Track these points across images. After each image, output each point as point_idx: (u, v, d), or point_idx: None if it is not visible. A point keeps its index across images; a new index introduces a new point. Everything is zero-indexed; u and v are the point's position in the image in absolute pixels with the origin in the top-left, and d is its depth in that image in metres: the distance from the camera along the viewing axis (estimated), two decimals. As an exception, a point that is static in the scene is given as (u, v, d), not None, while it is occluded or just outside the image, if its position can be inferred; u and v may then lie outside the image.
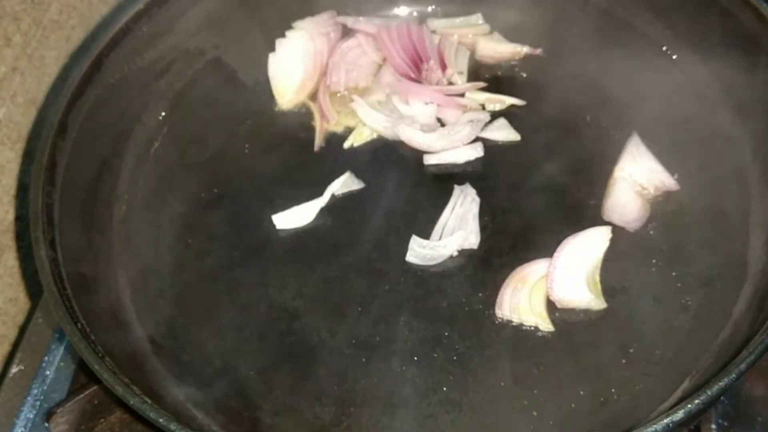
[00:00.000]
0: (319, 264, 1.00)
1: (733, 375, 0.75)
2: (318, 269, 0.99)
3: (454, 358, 0.91)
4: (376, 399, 0.89)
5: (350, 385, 0.90)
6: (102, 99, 1.03)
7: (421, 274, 0.97)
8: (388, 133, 1.11)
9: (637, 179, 1.00)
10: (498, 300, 0.94)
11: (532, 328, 0.92)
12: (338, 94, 1.15)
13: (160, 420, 0.76)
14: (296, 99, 1.15)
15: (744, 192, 0.97)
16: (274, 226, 1.03)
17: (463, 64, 1.17)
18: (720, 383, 0.74)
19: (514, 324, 0.92)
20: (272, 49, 1.17)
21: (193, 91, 1.16)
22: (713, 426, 0.87)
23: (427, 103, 1.11)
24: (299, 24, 1.18)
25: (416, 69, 1.14)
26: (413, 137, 1.08)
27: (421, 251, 0.98)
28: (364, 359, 0.91)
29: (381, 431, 0.87)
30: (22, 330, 1.10)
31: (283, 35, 1.17)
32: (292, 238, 1.03)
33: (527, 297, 0.93)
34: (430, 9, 1.23)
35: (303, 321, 0.95)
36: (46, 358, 0.99)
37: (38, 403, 0.96)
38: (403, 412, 0.88)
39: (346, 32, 1.20)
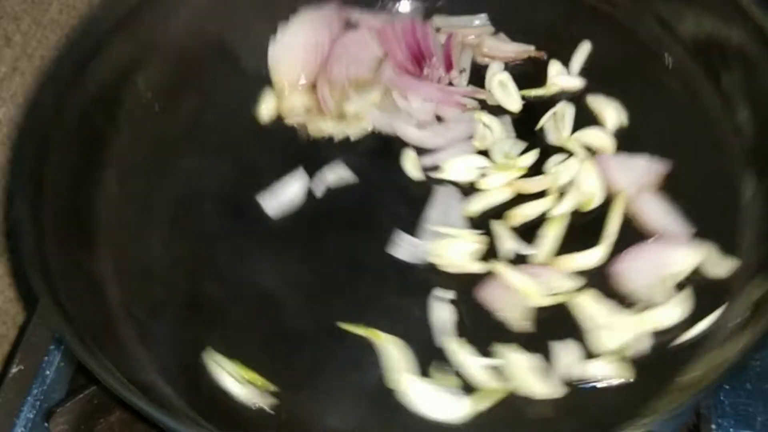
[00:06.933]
0: (304, 251, 1.00)
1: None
2: (303, 257, 0.99)
3: (430, 355, 0.90)
4: (350, 389, 0.89)
5: (326, 374, 0.90)
6: (100, 78, 1.03)
7: (404, 269, 0.97)
8: (385, 128, 1.10)
9: (639, 181, 1.00)
10: (486, 286, 0.94)
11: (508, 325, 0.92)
12: (338, 86, 1.15)
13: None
14: (296, 88, 1.15)
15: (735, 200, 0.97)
16: (263, 211, 1.04)
17: (467, 62, 1.17)
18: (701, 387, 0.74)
19: (491, 327, 0.92)
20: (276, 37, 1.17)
21: (194, 73, 1.15)
22: (713, 426, 0.87)
23: (425, 100, 1.10)
24: (303, 13, 1.18)
25: (418, 66, 1.14)
26: (408, 133, 1.08)
27: (407, 247, 0.98)
28: (339, 348, 0.91)
29: (353, 422, 0.87)
30: (22, 330, 1.10)
31: (287, 24, 1.17)
32: (280, 224, 1.03)
33: (514, 293, 0.92)
34: (436, 6, 1.22)
35: (284, 306, 0.95)
36: (46, 358, 0.99)
37: (38, 403, 0.96)
38: (375, 404, 0.88)
39: (350, 25, 1.20)
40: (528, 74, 1.14)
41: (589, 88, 1.11)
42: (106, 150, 1.04)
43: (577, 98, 1.10)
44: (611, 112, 1.07)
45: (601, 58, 1.13)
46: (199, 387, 0.90)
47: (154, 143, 1.09)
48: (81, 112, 0.99)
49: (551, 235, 0.97)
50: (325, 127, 1.11)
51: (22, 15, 1.12)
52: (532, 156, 1.03)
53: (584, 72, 1.13)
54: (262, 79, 1.16)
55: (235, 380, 0.89)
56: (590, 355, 0.89)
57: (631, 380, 0.87)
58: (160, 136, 1.11)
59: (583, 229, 0.98)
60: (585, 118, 1.08)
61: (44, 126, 0.94)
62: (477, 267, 0.96)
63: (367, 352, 0.91)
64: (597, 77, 1.11)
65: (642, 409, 0.83)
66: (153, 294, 0.97)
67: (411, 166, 1.06)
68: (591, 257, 0.95)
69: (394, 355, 0.89)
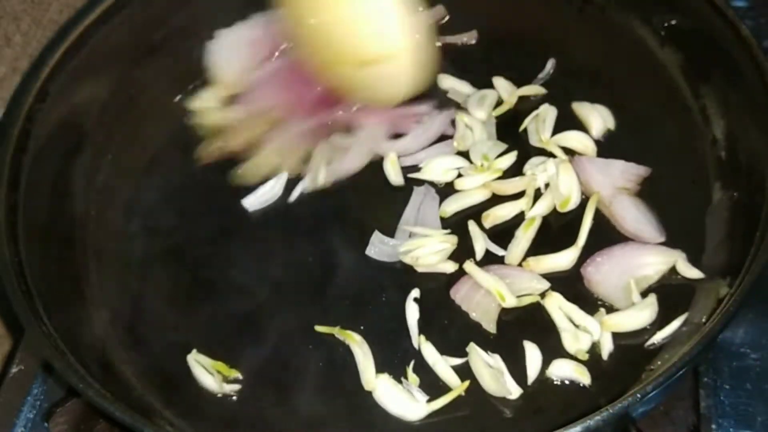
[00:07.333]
0: (281, 250, 1.01)
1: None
2: (280, 255, 1.01)
3: (399, 354, 0.91)
4: (317, 386, 0.90)
5: (294, 370, 0.91)
6: (88, 67, 1.06)
7: (378, 268, 0.98)
8: (359, 165, 1.08)
9: (616, 185, 1.00)
10: (456, 285, 0.94)
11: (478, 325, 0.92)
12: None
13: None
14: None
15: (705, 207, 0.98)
16: (245, 209, 1.05)
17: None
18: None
19: (460, 327, 0.93)
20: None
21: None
22: (713, 426, 0.86)
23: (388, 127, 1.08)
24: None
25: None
26: (387, 147, 1.07)
27: (381, 247, 0.99)
28: (310, 346, 0.93)
29: (318, 419, 0.88)
30: (22, 330, 1.13)
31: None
32: (260, 222, 1.04)
33: (484, 294, 0.93)
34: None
35: (258, 303, 0.97)
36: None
37: (38, 403, 0.97)
38: (342, 402, 0.89)
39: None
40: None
41: (576, 94, 1.11)
42: (83, 148, 1.07)
43: (563, 102, 1.10)
44: (596, 118, 1.07)
45: (588, 64, 1.14)
46: (175, 384, 0.92)
47: (141, 142, 1.13)
48: (68, 105, 1.03)
49: (524, 236, 0.97)
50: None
51: (22, 15, 1.14)
52: (509, 158, 1.04)
53: (573, 76, 1.13)
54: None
55: (208, 372, 0.91)
56: (556, 356, 0.89)
57: (594, 382, 0.87)
58: (145, 133, 1.14)
59: (558, 232, 0.99)
60: (572, 122, 1.08)
61: (24, 124, 0.97)
62: (450, 267, 0.97)
63: (339, 350, 0.92)
64: (584, 83, 1.12)
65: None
66: (131, 289, 1.00)
67: (391, 168, 1.06)
68: (563, 259, 0.95)
69: (366, 355, 0.90)
